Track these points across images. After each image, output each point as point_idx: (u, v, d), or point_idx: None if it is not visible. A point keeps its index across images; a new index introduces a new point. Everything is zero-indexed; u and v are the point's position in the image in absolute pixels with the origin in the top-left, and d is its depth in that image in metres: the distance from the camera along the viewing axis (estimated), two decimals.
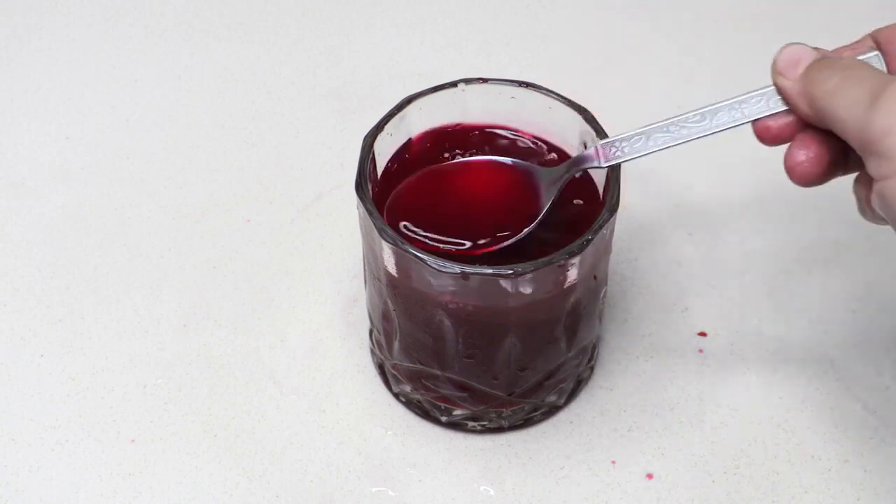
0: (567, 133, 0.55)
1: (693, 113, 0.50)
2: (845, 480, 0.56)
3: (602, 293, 0.56)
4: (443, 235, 0.53)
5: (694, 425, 0.58)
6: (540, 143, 0.56)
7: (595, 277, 0.54)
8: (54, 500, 0.55)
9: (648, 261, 0.64)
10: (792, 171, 0.48)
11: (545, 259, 0.50)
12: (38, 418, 0.58)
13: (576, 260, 0.50)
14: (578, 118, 0.54)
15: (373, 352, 0.59)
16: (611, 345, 0.60)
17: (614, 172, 0.52)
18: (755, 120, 0.49)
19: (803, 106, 0.47)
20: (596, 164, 0.52)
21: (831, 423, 0.58)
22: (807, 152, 0.48)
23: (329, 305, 0.62)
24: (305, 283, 0.63)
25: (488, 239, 0.53)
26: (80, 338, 0.61)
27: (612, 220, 0.52)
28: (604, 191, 0.53)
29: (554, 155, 0.56)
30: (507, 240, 0.53)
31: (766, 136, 0.49)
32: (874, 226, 0.65)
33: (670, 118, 0.50)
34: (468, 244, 0.53)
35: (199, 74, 0.73)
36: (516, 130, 0.56)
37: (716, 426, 0.58)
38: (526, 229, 0.53)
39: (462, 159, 0.55)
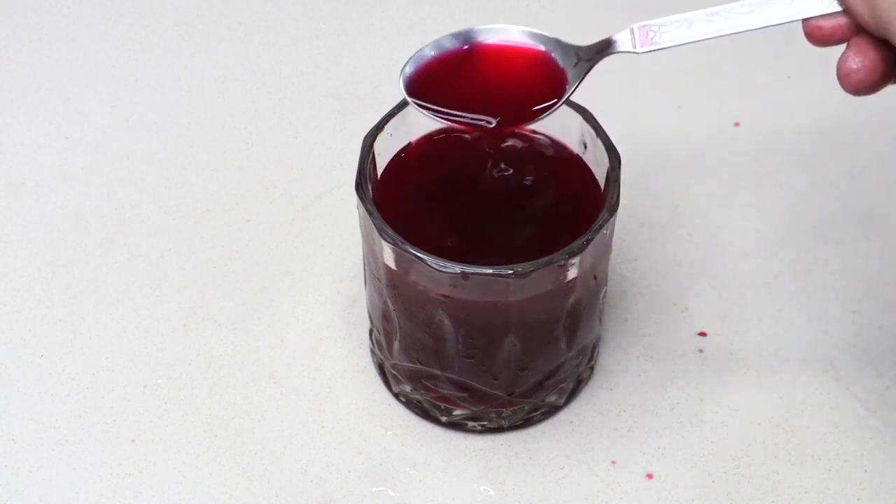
0: (567, 133, 0.55)
1: (740, 4, 0.47)
2: (845, 480, 0.56)
3: (602, 293, 0.56)
4: (467, 113, 0.51)
5: (694, 425, 0.58)
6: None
7: (595, 277, 0.54)
8: (54, 500, 0.55)
9: (648, 261, 0.64)
10: (845, 79, 0.46)
11: (545, 259, 0.50)
12: (38, 418, 0.58)
13: (576, 260, 0.50)
14: (578, 118, 0.54)
15: (373, 352, 0.59)
16: (611, 345, 0.60)
17: (614, 172, 0.52)
18: (806, 19, 0.46)
19: (863, 12, 0.45)
20: (631, 48, 0.49)
21: (831, 423, 0.58)
22: (862, 60, 0.45)
23: (329, 305, 0.62)
24: (305, 283, 0.63)
25: (514, 116, 0.51)
26: (80, 338, 0.61)
27: (612, 220, 0.52)
28: (604, 191, 0.53)
29: (553, 151, 0.56)
30: (535, 117, 0.51)
31: (816, 35, 0.46)
32: (874, 226, 0.65)
33: (714, 8, 0.47)
34: (494, 122, 0.51)
35: (199, 74, 0.73)
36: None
37: (716, 426, 0.58)
38: (554, 107, 0.51)
39: (480, 42, 0.53)
